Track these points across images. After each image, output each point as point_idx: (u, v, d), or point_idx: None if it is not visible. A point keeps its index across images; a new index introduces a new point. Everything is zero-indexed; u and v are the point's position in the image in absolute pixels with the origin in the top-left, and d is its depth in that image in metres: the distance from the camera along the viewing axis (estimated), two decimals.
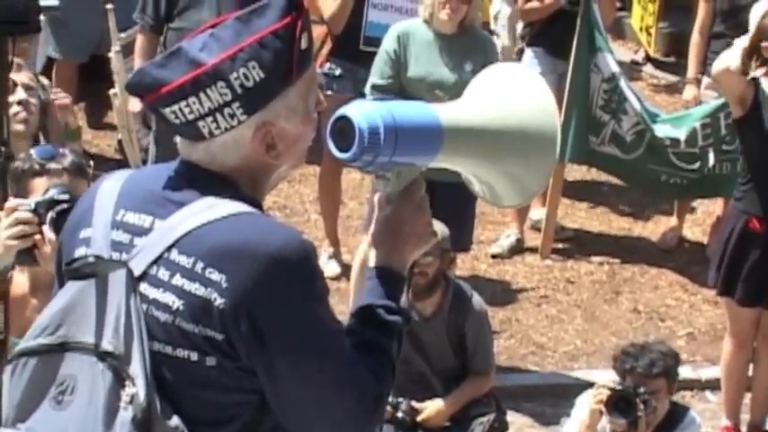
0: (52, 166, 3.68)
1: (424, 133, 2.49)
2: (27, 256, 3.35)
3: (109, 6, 7.03)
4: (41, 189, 3.54)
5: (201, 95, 2.38)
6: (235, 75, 2.37)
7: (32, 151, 3.76)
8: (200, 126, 2.40)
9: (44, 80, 6.42)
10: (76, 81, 8.31)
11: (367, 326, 2.46)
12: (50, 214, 3.31)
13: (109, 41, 7.07)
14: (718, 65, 5.98)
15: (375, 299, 2.48)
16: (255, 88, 2.38)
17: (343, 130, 2.41)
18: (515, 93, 2.63)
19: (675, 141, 7.49)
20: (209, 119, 2.39)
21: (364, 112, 2.41)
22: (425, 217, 2.56)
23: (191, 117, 2.40)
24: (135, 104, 6.70)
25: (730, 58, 5.92)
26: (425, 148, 2.51)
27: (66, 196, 3.34)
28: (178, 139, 2.47)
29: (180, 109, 2.39)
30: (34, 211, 3.36)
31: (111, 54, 7.07)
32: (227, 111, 2.39)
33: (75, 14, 7.90)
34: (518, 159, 2.61)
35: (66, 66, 8.20)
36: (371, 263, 2.54)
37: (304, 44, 2.41)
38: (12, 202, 3.46)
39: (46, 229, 3.30)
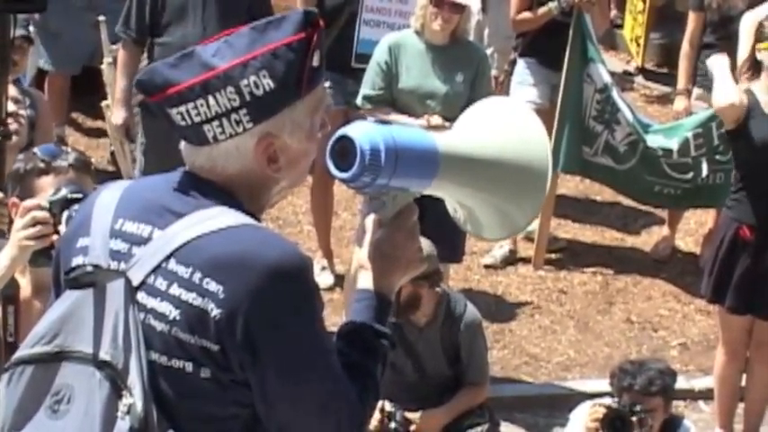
0: (57, 163, 3.64)
1: (423, 158, 2.51)
2: (42, 256, 3.28)
3: (101, 18, 7.04)
4: (48, 188, 3.50)
5: (210, 98, 2.39)
6: (245, 81, 2.38)
7: (35, 150, 3.73)
8: (205, 130, 2.41)
9: (37, 93, 6.43)
10: (68, 93, 8.32)
11: (354, 348, 2.46)
12: (66, 213, 3.25)
13: (101, 53, 7.09)
14: (722, 102, 5.99)
15: (362, 322, 2.49)
16: (264, 97, 2.39)
17: (344, 150, 2.42)
18: (511, 127, 2.66)
19: (668, 152, 7.50)
20: (215, 123, 2.40)
21: (366, 132, 2.43)
22: (416, 243, 2.58)
23: (197, 119, 2.40)
24: (117, 117, 6.72)
25: (731, 93, 5.93)
26: (423, 172, 2.53)
27: (79, 195, 3.27)
28: (182, 144, 2.48)
29: (187, 110, 2.40)
30: (49, 210, 3.33)
31: (103, 66, 7.09)
32: (233, 117, 2.40)
33: (67, 26, 7.94)
34: (509, 193, 2.64)
35: (59, 78, 8.21)
36: (360, 284, 2.55)
37: (316, 61, 2.42)
38: (27, 202, 3.44)
39: (62, 228, 3.22)
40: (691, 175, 7.50)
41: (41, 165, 3.64)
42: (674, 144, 7.47)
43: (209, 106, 2.39)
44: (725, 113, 6.09)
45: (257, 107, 2.40)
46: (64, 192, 3.36)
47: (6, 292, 3.50)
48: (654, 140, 7.52)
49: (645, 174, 7.58)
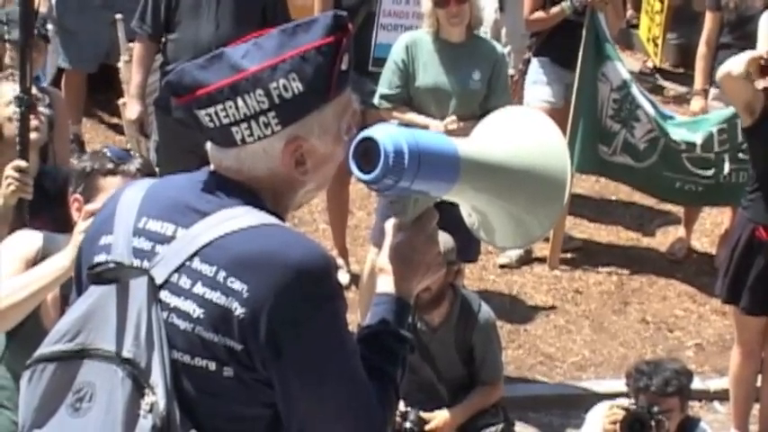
0: (126, 166, 3.69)
1: (445, 162, 2.53)
2: None
3: (118, 16, 7.06)
4: (111, 188, 3.51)
5: (239, 101, 2.39)
6: (274, 84, 2.38)
7: (105, 150, 3.79)
8: (233, 131, 2.41)
9: (55, 91, 6.45)
10: (85, 91, 8.34)
11: (374, 352, 2.47)
12: None
13: (118, 51, 7.11)
14: (721, 70, 5.97)
15: (382, 325, 2.50)
16: (293, 100, 2.40)
17: (367, 152, 2.43)
18: (532, 136, 2.67)
19: (691, 145, 7.45)
20: (244, 125, 2.40)
21: (390, 134, 2.44)
22: (436, 247, 2.59)
23: (225, 121, 2.40)
24: (132, 112, 6.74)
25: (733, 63, 5.90)
26: (444, 176, 2.54)
27: None
28: (209, 145, 2.48)
29: (216, 112, 2.40)
30: None
31: (120, 64, 7.10)
32: (262, 119, 2.40)
33: (84, 24, 7.96)
34: (527, 202, 2.65)
35: (76, 75, 8.23)
36: (379, 288, 2.56)
37: (344, 66, 2.43)
38: (90, 206, 3.48)
39: None
40: (712, 171, 7.46)
41: (110, 165, 3.69)
42: (698, 138, 7.43)
43: (237, 108, 2.39)
44: (724, 84, 6.01)
45: (286, 110, 2.40)
46: None
47: (66, 291, 3.54)
48: (677, 134, 7.48)
49: (665, 170, 7.55)
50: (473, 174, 2.56)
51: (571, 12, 7.51)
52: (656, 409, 5.08)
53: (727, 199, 7.64)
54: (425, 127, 6.00)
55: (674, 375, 5.18)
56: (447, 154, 2.52)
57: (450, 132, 5.94)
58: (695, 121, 7.60)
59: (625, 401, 5.19)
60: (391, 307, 2.52)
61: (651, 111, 7.53)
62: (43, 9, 7.47)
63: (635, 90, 7.53)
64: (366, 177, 2.44)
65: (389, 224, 2.59)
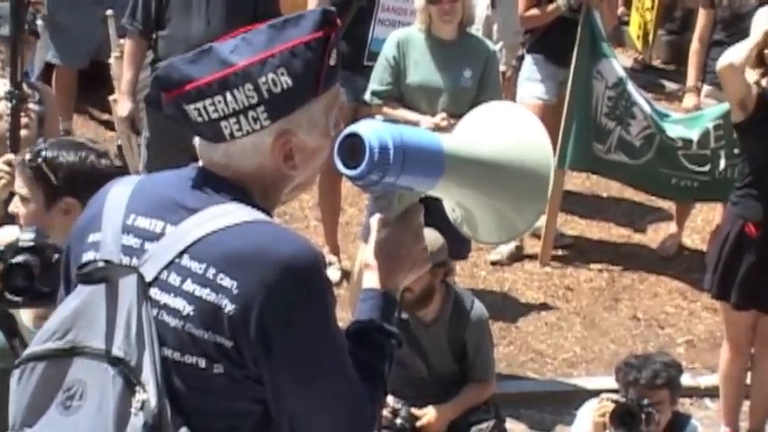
0: None
1: (430, 158, 2.53)
2: None
3: (109, 13, 7.06)
4: None
5: (227, 95, 2.39)
6: (263, 79, 2.38)
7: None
8: (222, 126, 2.41)
9: (44, 87, 6.43)
10: (76, 87, 8.32)
11: (361, 347, 2.47)
12: None
13: (109, 47, 7.11)
14: (722, 61, 5.95)
15: (369, 321, 2.51)
16: (282, 95, 2.40)
17: (353, 148, 2.44)
18: (516, 132, 2.68)
19: (688, 142, 7.44)
20: (233, 120, 2.40)
21: (375, 130, 2.44)
22: (422, 242, 2.60)
23: (214, 116, 2.40)
24: (123, 109, 6.74)
25: (735, 53, 5.89)
26: (429, 172, 2.54)
27: None
28: (197, 140, 2.48)
29: (204, 107, 2.40)
30: None
31: (110, 60, 7.10)
32: (251, 114, 2.40)
33: (75, 20, 7.95)
34: (510, 197, 2.66)
35: (66, 71, 8.21)
36: (365, 284, 2.56)
37: (333, 60, 2.43)
38: None
39: None
40: (708, 167, 7.45)
41: None
42: (694, 135, 7.41)
43: (226, 103, 2.39)
44: (723, 75, 6.01)
45: (275, 105, 2.40)
46: None
47: None
48: (674, 130, 7.47)
49: (661, 167, 7.54)
50: (457, 169, 2.57)
51: (566, 9, 7.51)
52: (645, 401, 5.09)
53: (721, 195, 7.59)
54: (416, 123, 6.00)
55: (663, 368, 5.18)
56: (432, 149, 2.53)
57: (441, 129, 5.93)
58: (691, 118, 7.58)
59: (615, 395, 5.19)
60: (377, 302, 2.52)
61: (647, 108, 7.52)
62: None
63: (631, 87, 7.52)
64: (351, 173, 2.44)
65: (374, 220, 2.60)
